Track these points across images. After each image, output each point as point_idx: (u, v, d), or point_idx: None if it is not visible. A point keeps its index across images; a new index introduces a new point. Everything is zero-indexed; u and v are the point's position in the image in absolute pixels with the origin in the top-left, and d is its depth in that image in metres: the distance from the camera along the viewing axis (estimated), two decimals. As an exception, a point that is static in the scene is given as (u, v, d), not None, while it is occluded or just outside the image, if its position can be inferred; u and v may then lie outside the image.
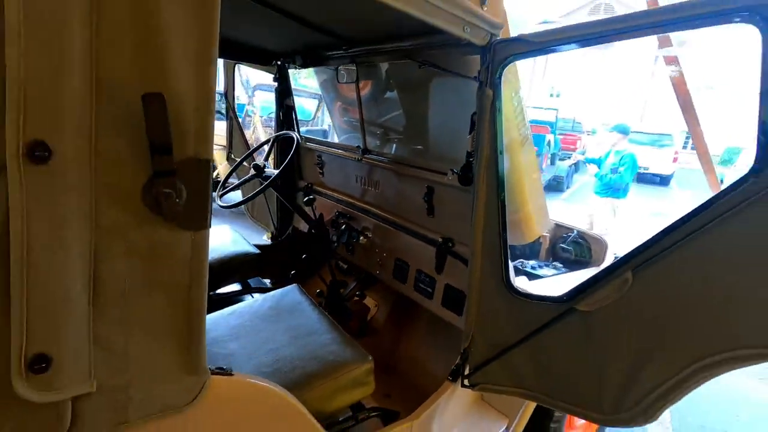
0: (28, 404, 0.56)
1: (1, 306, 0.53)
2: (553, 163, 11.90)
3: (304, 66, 1.98)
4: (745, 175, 0.88)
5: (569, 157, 12.51)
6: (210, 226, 0.68)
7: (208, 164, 0.65)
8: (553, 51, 1.05)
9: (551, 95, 24.81)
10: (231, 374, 0.79)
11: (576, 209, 7.14)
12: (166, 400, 0.70)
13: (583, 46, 1.02)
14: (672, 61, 2.07)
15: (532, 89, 23.23)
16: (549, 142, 11.20)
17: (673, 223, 0.97)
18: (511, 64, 1.16)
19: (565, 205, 9.45)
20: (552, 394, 1.23)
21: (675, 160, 13.35)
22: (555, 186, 11.18)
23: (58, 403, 0.59)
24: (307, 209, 2.02)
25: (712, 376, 1.01)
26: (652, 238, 1.01)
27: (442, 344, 1.78)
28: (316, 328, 1.31)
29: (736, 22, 0.86)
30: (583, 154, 11.04)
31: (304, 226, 2.30)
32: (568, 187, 11.55)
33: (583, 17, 22.81)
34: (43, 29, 0.48)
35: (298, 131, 2.33)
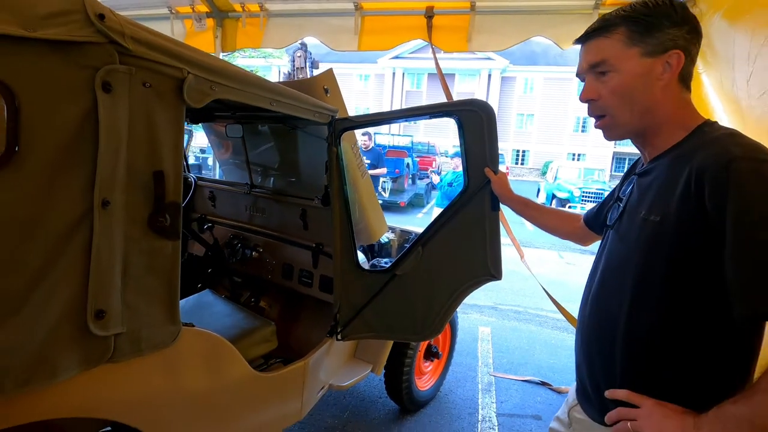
0: (94, 337, 1.05)
1: (83, 283, 1.02)
2: (414, 182, 13.31)
3: (195, 122, 2.46)
4: (462, 191, 1.74)
5: (427, 176, 14.16)
6: (181, 238, 1.23)
7: (179, 204, 1.21)
8: (366, 127, 1.83)
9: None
10: (193, 326, 1.33)
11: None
12: (160, 339, 1.21)
13: (380, 125, 1.82)
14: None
15: (393, 117, 25.60)
16: (408, 164, 12.58)
17: (437, 216, 1.80)
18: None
19: (425, 218, 10.88)
20: (389, 331, 1.96)
21: (507, 174, 16.56)
22: (417, 203, 12.49)
23: (107, 337, 1.08)
24: (205, 235, 2.50)
25: (466, 296, 1.84)
26: (429, 225, 1.82)
27: (324, 317, 2.40)
28: (231, 312, 1.85)
29: (449, 117, 1.72)
30: (437, 173, 12.75)
31: (198, 251, 2.74)
32: (428, 202, 13.00)
33: (428, 52, 26.18)
34: (110, 151, 1.02)
35: (189, 171, 2.78)
